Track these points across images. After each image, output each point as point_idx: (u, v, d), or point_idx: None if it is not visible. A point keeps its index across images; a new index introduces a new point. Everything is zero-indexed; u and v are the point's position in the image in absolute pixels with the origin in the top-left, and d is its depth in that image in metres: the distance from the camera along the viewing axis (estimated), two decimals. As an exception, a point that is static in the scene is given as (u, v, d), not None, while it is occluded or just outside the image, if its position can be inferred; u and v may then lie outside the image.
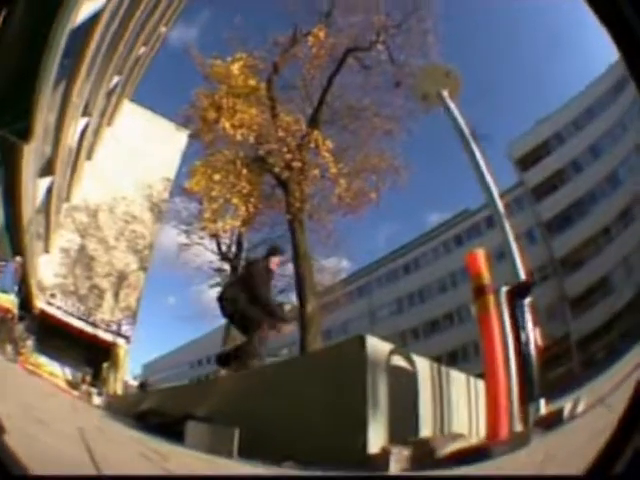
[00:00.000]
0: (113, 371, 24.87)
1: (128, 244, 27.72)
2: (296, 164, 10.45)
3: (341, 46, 11.42)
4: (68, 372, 23.49)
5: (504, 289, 3.51)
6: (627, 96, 22.67)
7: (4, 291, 8.91)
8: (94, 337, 24.41)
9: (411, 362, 3.57)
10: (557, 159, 27.33)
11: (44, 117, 8.59)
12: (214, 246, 16.58)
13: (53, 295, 24.06)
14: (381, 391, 2.98)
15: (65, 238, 25.97)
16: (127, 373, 28.26)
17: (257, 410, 3.53)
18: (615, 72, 23.54)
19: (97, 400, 11.36)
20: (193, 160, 12.97)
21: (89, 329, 24.33)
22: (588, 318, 23.86)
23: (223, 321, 14.93)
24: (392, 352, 3.41)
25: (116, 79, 22.81)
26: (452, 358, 28.24)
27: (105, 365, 25.83)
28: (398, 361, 3.45)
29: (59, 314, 23.22)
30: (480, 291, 3.25)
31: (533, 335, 3.62)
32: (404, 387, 3.38)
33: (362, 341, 3.06)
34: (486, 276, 3.28)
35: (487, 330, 3.16)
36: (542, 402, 3.81)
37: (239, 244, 15.73)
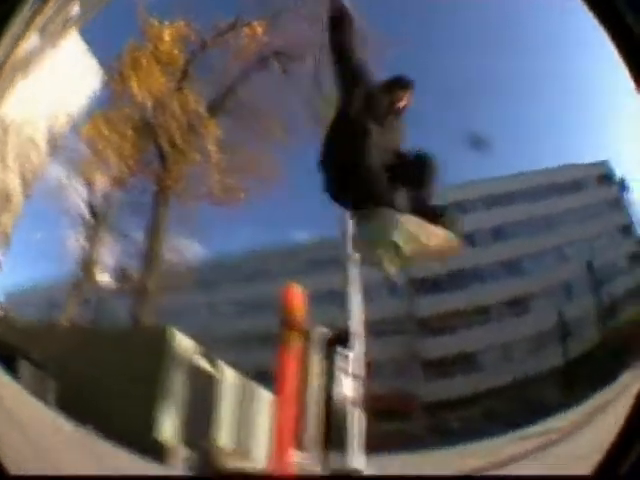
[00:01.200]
0: None
1: (21, 168, 24.62)
2: (180, 143, 10.29)
3: (272, 46, 11.40)
4: None
5: (324, 332, 3.53)
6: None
7: None
8: None
9: (217, 368, 3.49)
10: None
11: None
12: (86, 195, 15.43)
13: None
14: (178, 387, 3.01)
15: None
16: None
17: (74, 366, 3.35)
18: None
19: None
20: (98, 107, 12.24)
21: None
22: (445, 386, 24.23)
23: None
24: (198, 353, 3.30)
25: (77, 8, 20.32)
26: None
27: None
28: (203, 364, 3.35)
29: None
30: (288, 325, 3.26)
31: (348, 385, 3.53)
32: (204, 390, 3.35)
33: (170, 333, 3.06)
34: (298, 313, 3.30)
35: (285, 366, 3.18)
36: (355, 453, 3.57)
37: (107, 201, 14.84)
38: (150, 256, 9.37)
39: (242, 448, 3.55)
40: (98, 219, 14.67)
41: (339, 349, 3.52)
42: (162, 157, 10.54)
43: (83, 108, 25.77)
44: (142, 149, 11.12)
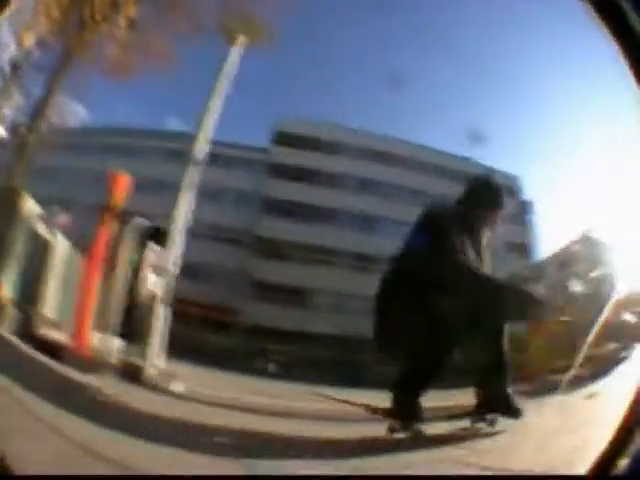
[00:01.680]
0: None
1: None
2: (99, 16, 9.64)
3: None
4: None
5: (140, 223, 3.58)
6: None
7: None
8: None
9: (54, 236, 3.58)
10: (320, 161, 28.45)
11: None
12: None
13: None
14: (18, 250, 3.05)
15: None
16: None
17: None
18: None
19: None
20: None
21: None
22: (271, 313, 25.34)
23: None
24: (41, 219, 3.43)
25: None
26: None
27: None
28: (42, 230, 3.45)
29: None
30: (107, 208, 3.33)
31: (155, 282, 3.63)
32: (40, 257, 3.43)
33: (18, 195, 3.15)
34: (118, 198, 3.39)
35: (97, 247, 3.30)
36: (155, 351, 3.69)
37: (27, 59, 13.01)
38: (37, 114, 8.93)
39: (65, 320, 3.48)
40: (15, 75, 13.08)
41: (151, 244, 3.58)
42: (81, 25, 9.75)
43: None
44: (68, 15, 10.19)
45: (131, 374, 3.31)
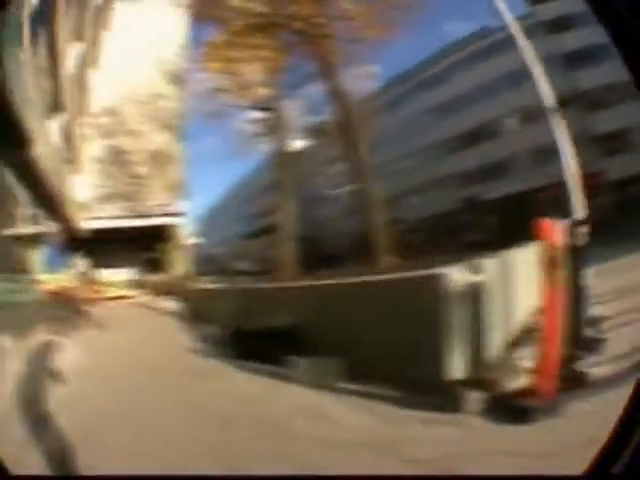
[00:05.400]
0: (175, 252, 24.74)
1: (158, 122, 27.09)
2: (317, 20, 10.39)
3: None
4: (128, 274, 24.11)
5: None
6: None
7: (53, 270, 7.20)
8: (148, 229, 23.58)
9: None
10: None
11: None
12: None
13: (97, 209, 23.43)
14: (458, 323, 2.97)
15: (94, 148, 24.75)
16: (188, 250, 27.28)
17: (345, 327, 3.52)
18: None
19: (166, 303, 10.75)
20: (204, 37, 12.82)
21: (141, 222, 23.67)
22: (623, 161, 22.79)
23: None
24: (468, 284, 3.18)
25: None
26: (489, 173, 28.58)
27: (165, 248, 25.38)
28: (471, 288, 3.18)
29: (106, 223, 22.71)
30: (553, 263, 2.97)
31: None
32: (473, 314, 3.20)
33: (441, 278, 2.99)
34: (560, 249, 3.03)
35: (552, 298, 2.96)
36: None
37: (271, 90, 14.86)
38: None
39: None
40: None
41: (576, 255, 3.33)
42: (304, 36, 10.62)
43: (184, 38, 26.61)
44: (277, 44, 11.25)
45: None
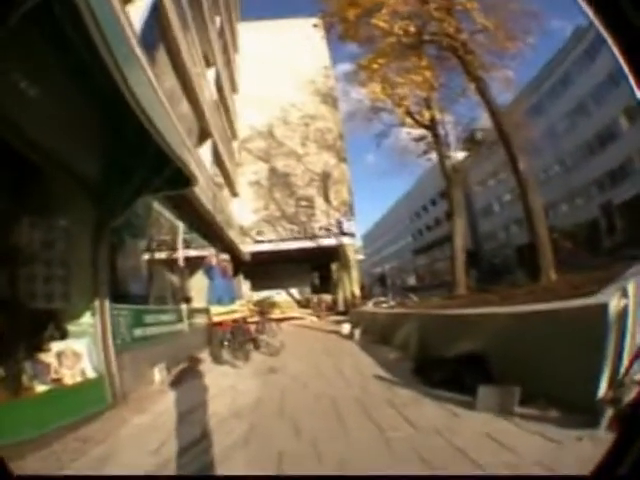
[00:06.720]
0: (346, 274, 24.53)
1: (318, 144, 26.96)
2: (461, 36, 10.45)
3: None
4: (297, 294, 25.96)
5: None
6: None
7: (219, 301, 6.99)
8: (317, 249, 23.99)
9: None
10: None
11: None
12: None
13: (260, 232, 24.01)
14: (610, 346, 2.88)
15: (250, 172, 25.77)
16: (359, 271, 27.08)
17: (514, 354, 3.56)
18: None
19: (346, 329, 10.67)
20: (346, 57, 13.08)
21: (309, 244, 23.93)
22: None
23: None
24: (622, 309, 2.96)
25: (218, 19, 19.94)
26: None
27: (334, 269, 25.78)
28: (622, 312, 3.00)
29: (272, 247, 23.33)
30: None
31: None
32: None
33: (607, 307, 2.94)
34: None
35: None
36: None
37: (428, 107, 14.99)
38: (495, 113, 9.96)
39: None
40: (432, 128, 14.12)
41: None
42: (449, 51, 10.49)
43: (326, 54, 26.04)
44: (429, 63, 11.22)
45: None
